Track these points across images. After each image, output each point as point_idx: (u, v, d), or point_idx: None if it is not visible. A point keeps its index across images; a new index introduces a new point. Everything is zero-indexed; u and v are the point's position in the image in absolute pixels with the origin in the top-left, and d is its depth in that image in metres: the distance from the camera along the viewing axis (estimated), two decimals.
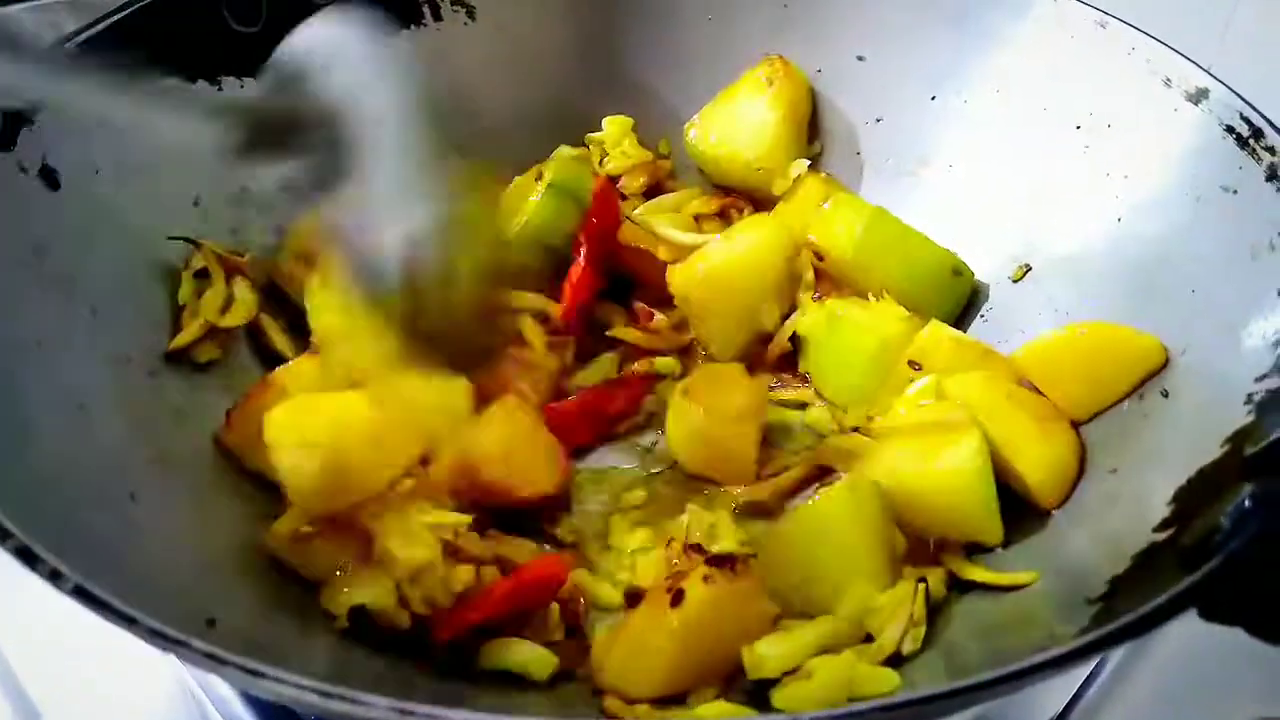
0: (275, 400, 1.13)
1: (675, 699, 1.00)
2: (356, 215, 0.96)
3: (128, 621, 0.81)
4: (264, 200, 1.35)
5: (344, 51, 0.98)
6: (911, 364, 1.24)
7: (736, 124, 1.47)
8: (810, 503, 1.11)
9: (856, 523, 1.08)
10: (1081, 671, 1.18)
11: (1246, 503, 0.92)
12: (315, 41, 0.99)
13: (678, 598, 1.00)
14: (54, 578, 0.83)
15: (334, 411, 1.12)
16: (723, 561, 1.01)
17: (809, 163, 1.47)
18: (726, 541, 1.17)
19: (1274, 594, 0.83)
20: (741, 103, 1.47)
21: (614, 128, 1.53)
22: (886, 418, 1.20)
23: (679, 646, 1.00)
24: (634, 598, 1.05)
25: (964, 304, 1.37)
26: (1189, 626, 0.85)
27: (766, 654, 0.99)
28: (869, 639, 1.05)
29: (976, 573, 1.11)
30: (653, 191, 1.52)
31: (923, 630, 1.05)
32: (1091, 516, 1.11)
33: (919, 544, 1.13)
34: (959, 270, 1.35)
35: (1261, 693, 1.17)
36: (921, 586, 1.07)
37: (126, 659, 1.15)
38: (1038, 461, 1.14)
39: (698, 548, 1.11)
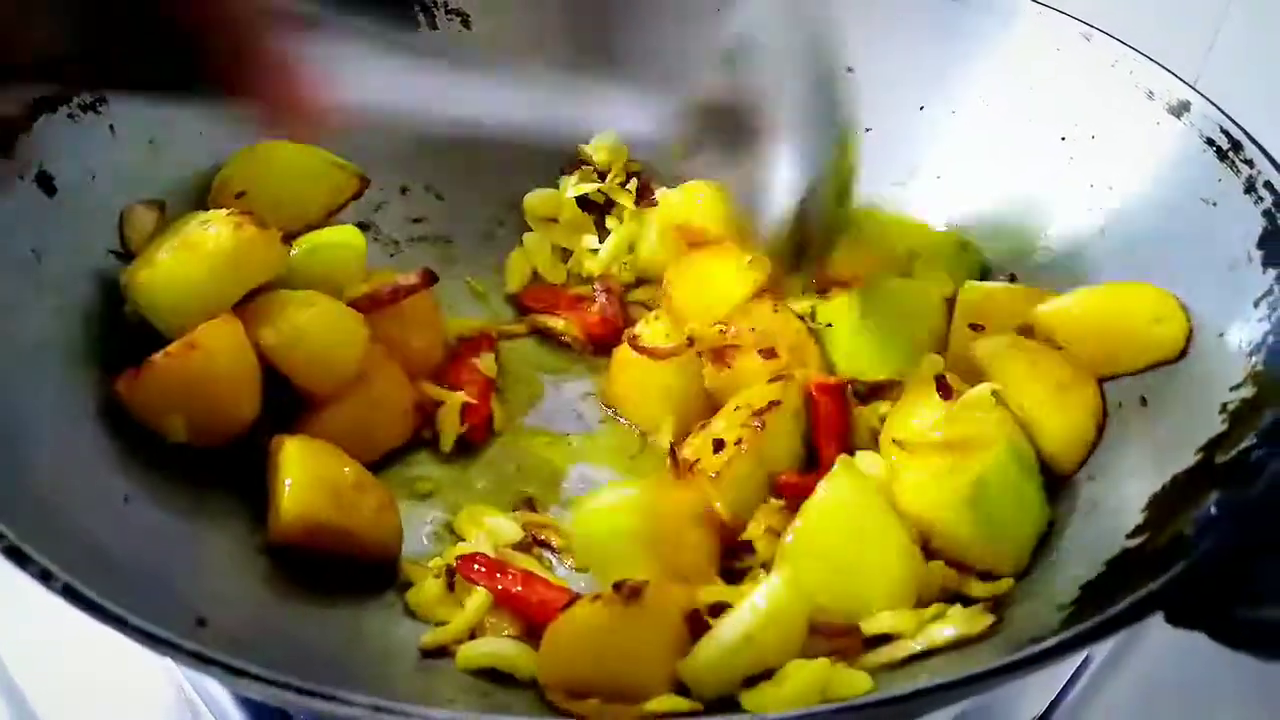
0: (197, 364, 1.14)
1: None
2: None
3: (116, 621, 0.83)
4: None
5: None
6: (973, 326, 1.25)
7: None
8: (813, 496, 1.09)
9: (865, 498, 1.08)
10: (1063, 671, 1.20)
11: (1212, 510, 0.94)
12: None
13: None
14: (44, 578, 0.84)
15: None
16: (620, 586, 1.00)
17: None
18: None
19: (1234, 601, 0.85)
20: None
21: (603, 154, 1.52)
22: (919, 433, 1.17)
23: (545, 650, 1.02)
24: None
25: (980, 273, 1.37)
26: (1170, 629, 0.87)
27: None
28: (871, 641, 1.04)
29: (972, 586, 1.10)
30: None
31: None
32: (1069, 522, 1.12)
33: None
34: (965, 244, 1.37)
35: (1242, 695, 1.18)
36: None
37: (123, 659, 1.16)
38: (1054, 433, 1.15)
39: None
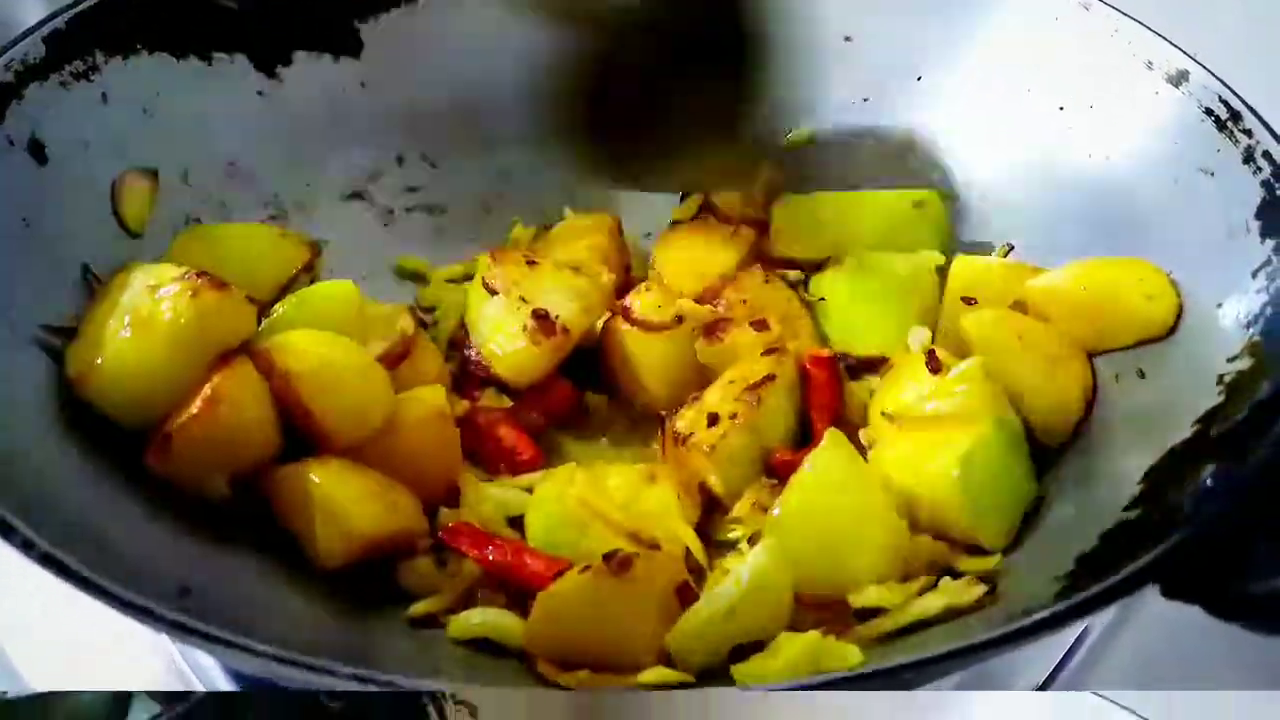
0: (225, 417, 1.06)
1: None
2: None
3: (96, 590, 0.83)
4: (252, 173, 1.36)
5: None
6: (965, 300, 1.24)
7: None
8: (801, 469, 1.09)
9: (852, 471, 1.08)
10: (1062, 641, 1.19)
11: (1207, 483, 0.94)
12: None
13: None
14: (26, 547, 0.85)
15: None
16: (610, 557, 0.99)
17: None
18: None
19: (1229, 574, 0.84)
20: None
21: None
22: (908, 407, 1.17)
23: (534, 620, 1.01)
24: None
25: (948, 227, 1.37)
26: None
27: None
28: (862, 614, 1.04)
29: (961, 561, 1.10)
30: None
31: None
32: (1066, 494, 1.12)
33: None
34: (920, 202, 1.35)
35: (1239, 664, 1.17)
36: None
37: (112, 627, 1.11)
38: (1042, 407, 1.15)
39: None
